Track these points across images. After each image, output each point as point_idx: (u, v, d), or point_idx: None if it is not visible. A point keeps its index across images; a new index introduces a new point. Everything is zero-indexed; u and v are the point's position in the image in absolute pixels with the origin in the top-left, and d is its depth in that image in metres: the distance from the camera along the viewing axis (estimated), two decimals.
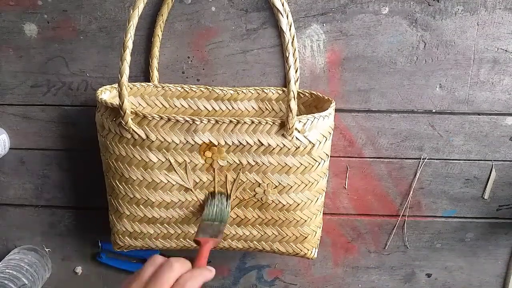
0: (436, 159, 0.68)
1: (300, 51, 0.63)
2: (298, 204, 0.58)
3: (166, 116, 0.53)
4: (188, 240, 0.61)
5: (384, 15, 0.61)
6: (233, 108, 0.64)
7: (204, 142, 0.54)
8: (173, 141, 0.54)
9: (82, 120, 0.68)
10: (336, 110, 0.66)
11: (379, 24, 0.61)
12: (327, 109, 0.56)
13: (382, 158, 0.68)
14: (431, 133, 0.66)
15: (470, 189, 0.69)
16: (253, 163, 0.55)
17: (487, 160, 0.68)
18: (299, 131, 0.53)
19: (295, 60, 0.62)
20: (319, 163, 0.56)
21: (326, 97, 0.60)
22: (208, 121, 0.53)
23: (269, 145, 0.54)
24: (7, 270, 0.68)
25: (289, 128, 0.52)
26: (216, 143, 0.54)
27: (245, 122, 0.53)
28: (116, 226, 0.60)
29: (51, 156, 0.71)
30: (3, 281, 0.66)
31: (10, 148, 0.70)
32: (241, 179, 0.56)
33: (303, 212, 0.58)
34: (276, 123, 0.53)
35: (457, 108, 0.65)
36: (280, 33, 0.61)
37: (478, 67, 0.63)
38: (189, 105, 0.64)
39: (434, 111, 0.65)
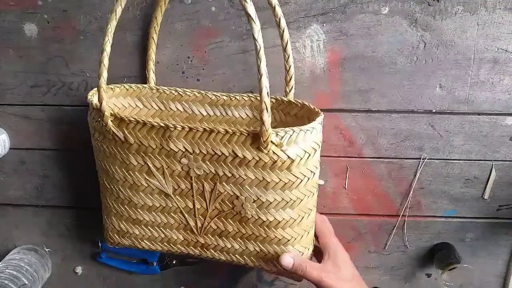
0: (436, 159, 0.68)
1: (300, 51, 0.63)
2: (279, 222, 0.54)
3: (142, 120, 0.52)
4: (171, 245, 0.60)
5: (384, 15, 0.61)
6: (227, 114, 0.63)
7: (179, 150, 0.53)
8: (149, 145, 0.53)
9: (82, 120, 0.68)
10: (336, 110, 0.66)
11: (379, 24, 0.61)
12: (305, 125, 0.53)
13: (382, 158, 0.68)
14: (431, 133, 0.66)
15: (470, 189, 0.69)
16: (229, 175, 0.53)
17: (487, 160, 0.67)
18: (276, 145, 0.50)
19: (289, 67, 0.59)
20: (301, 180, 0.52)
21: (316, 109, 0.57)
22: (183, 128, 0.51)
23: (244, 157, 0.51)
24: (7, 270, 0.68)
25: (264, 142, 0.49)
26: (191, 151, 0.52)
27: (219, 132, 0.51)
28: (106, 222, 0.62)
29: (51, 156, 0.71)
30: (3, 281, 0.66)
31: (10, 148, 0.70)
32: (219, 190, 0.54)
33: (286, 231, 0.55)
34: (250, 135, 0.50)
35: (457, 108, 0.65)
36: (280, 34, 0.60)
37: (478, 67, 0.63)
38: (184, 109, 0.64)
39: (434, 111, 0.65)
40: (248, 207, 0.54)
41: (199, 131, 0.51)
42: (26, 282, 0.69)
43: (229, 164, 0.52)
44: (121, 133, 0.53)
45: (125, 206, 0.58)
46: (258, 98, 0.60)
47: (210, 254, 0.59)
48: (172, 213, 0.57)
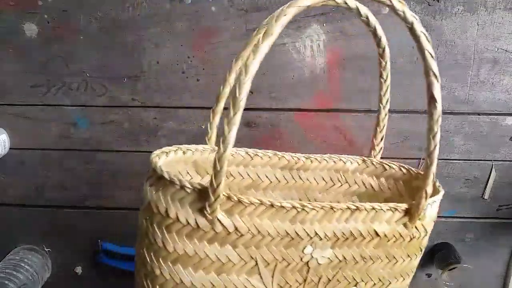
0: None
1: (300, 51, 0.63)
2: None
3: (269, 202, 0.40)
4: None
5: (384, 15, 0.61)
6: (300, 178, 0.56)
7: (308, 235, 0.42)
8: (269, 234, 0.41)
9: (82, 120, 0.68)
10: (336, 110, 0.66)
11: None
12: (432, 193, 0.46)
13: (382, 158, 0.68)
14: None
15: (470, 189, 0.69)
16: (358, 259, 0.44)
17: (487, 160, 0.68)
18: (419, 219, 0.44)
19: (383, 126, 0.54)
20: (421, 254, 0.47)
21: (421, 173, 0.50)
22: (322, 208, 0.41)
23: (385, 236, 0.43)
24: (7, 270, 0.68)
25: (415, 217, 0.43)
26: (322, 236, 0.42)
27: (365, 209, 0.42)
28: None
29: (51, 156, 0.71)
30: (4, 281, 0.66)
31: (10, 148, 0.70)
32: (338, 279, 0.44)
33: None
34: (399, 210, 0.43)
35: (457, 108, 0.65)
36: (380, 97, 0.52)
37: (478, 67, 0.63)
38: (247, 174, 0.54)
39: None
40: None
41: (340, 210, 0.42)
42: (27, 282, 0.69)
43: (363, 247, 0.44)
44: (231, 222, 0.39)
45: None
46: (342, 159, 0.56)
47: None
48: None
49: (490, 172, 0.68)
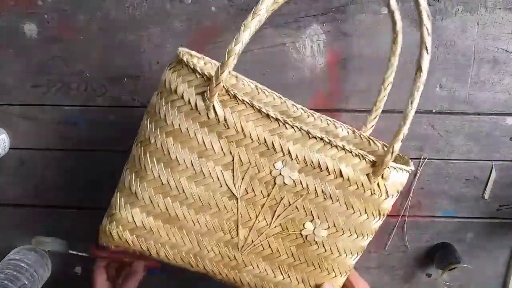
0: (436, 159, 0.68)
1: (300, 51, 0.63)
2: (339, 256, 0.51)
3: (258, 107, 0.45)
4: (198, 258, 0.50)
5: (384, 15, 0.61)
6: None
7: (282, 151, 0.46)
8: (250, 136, 0.45)
9: (82, 120, 0.68)
10: (336, 110, 0.66)
11: (379, 24, 0.61)
12: (403, 163, 0.52)
13: None
14: (431, 133, 0.66)
15: (470, 189, 0.69)
16: (320, 193, 0.48)
17: (487, 160, 0.68)
18: (382, 177, 0.48)
19: (379, 107, 0.58)
20: (379, 219, 0.51)
21: (401, 154, 0.55)
22: (300, 130, 0.46)
23: (348, 180, 0.47)
24: (7, 270, 0.68)
25: (379, 170, 0.47)
26: (293, 156, 0.46)
27: (336, 146, 0.46)
28: (120, 212, 0.47)
29: (51, 156, 0.71)
30: (3, 281, 0.66)
31: (10, 148, 0.70)
32: (297, 206, 0.48)
33: (339, 267, 0.52)
34: (366, 159, 0.47)
35: (457, 108, 0.65)
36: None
37: (478, 67, 0.63)
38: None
39: (434, 111, 0.65)
40: (319, 233, 0.49)
41: (314, 138, 0.46)
42: (26, 282, 0.69)
43: (326, 183, 0.47)
44: (223, 112, 0.44)
45: (168, 198, 0.46)
46: (336, 124, 0.58)
47: (239, 277, 0.51)
48: (224, 220, 0.48)
49: (490, 172, 0.68)
